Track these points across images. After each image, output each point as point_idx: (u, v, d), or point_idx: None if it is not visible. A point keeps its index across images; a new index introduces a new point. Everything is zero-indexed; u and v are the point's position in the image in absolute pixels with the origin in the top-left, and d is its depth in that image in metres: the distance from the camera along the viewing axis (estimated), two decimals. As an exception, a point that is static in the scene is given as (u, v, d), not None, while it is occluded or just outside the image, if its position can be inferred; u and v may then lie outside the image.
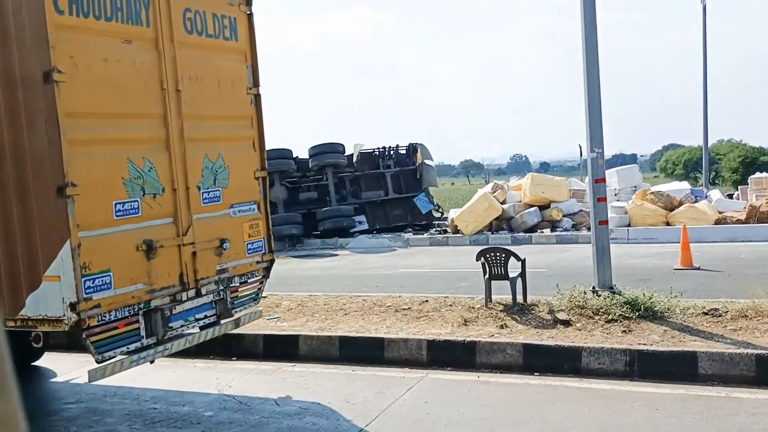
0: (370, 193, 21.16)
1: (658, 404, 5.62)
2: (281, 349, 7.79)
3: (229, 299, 6.36)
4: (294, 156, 20.33)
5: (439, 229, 19.86)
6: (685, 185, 19.37)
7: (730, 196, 19.40)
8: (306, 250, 18.76)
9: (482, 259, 8.47)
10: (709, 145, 28.84)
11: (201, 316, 6.12)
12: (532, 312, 7.88)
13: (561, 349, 6.74)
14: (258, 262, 6.74)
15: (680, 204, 16.49)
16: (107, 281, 5.10)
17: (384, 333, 7.63)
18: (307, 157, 20.25)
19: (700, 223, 15.39)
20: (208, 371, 7.40)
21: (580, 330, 7.17)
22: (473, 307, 8.19)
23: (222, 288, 6.27)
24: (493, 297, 8.32)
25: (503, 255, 8.36)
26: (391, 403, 6.00)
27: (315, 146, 20.15)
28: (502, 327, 7.47)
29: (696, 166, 41.97)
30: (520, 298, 8.21)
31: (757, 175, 19.13)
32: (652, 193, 17.05)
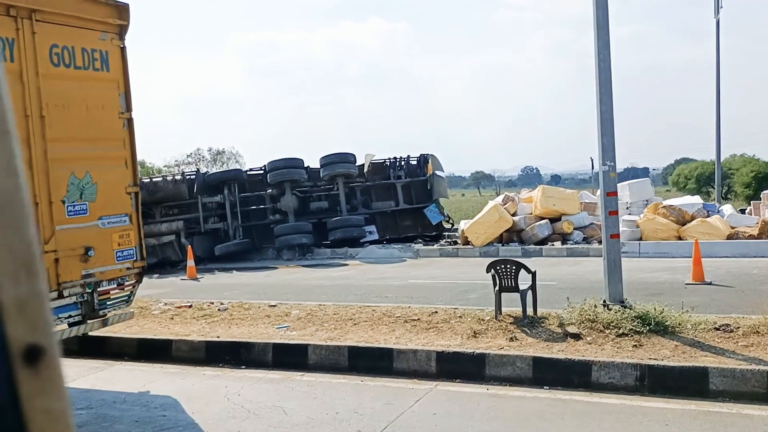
0: (380, 204, 21.20)
1: (669, 420, 5.59)
2: (290, 358, 7.81)
3: (96, 301, 6.99)
4: (305, 165, 20.41)
5: (449, 240, 19.85)
6: (697, 199, 19.28)
7: (743, 211, 19.31)
8: (316, 259, 18.80)
9: (492, 270, 8.46)
10: (722, 159, 28.69)
11: (65, 315, 6.74)
12: (542, 325, 7.86)
13: (571, 362, 6.72)
14: (129, 269, 7.41)
15: (692, 218, 16.41)
16: None
17: (393, 344, 7.63)
18: (319, 166, 20.32)
19: (712, 237, 15.31)
20: (217, 379, 7.42)
21: (590, 344, 7.15)
22: (483, 319, 8.17)
23: (89, 291, 6.91)
24: (503, 309, 8.30)
25: (513, 267, 8.34)
26: (399, 414, 5.99)
27: (326, 156, 20.22)
28: (511, 339, 7.45)
29: (708, 180, 41.74)
30: (530, 311, 8.19)
31: (770, 190, 19.01)
32: (664, 207, 16.99)
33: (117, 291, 7.34)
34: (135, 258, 7.45)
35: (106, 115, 7.19)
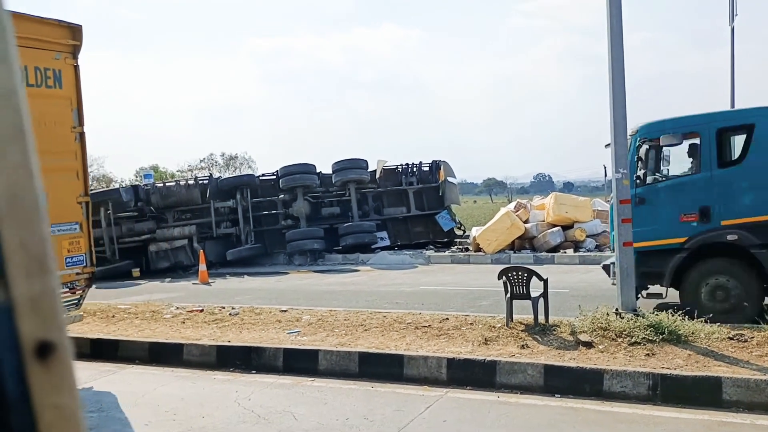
0: (392, 210, 21.22)
1: (681, 429, 5.53)
2: (301, 363, 7.80)
3: None
4: (317, 171, 20.47)
5: (460, 246, 19.83)
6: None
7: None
8: (327, 265, 18.81)
9: (504, 277, 8.43)
10: (737, 168, 28.45)
11: None
12: (554, 333, 7.81)
13: (583, 371, 6.67)
14: (78, 274, 7.76)
15: (706, 227, 16.26)
16: None
17: (404, 350, 7.61)
18: (331, 172, 20.38)
19: (726, 246, 15.16)
20: (227, 384, 7.43)
21: (602, 352, 7.10)
22: (494, 326, 8.14)
23: None
24: (515, 316, 8.26)
25: (525, 274, 8.31)
26: (409, 420, 5.97)
27: (338, 162, 20.27)
28: (523, 347, 7.41)
29: (722, 189, 41.48)
30: (541, 319, 8.15)
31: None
32: (678, 215, 16.85)
33: (67, 294, 7.64)
34: (85, 264, 7.80)
35: (59, 129, 7.55)
